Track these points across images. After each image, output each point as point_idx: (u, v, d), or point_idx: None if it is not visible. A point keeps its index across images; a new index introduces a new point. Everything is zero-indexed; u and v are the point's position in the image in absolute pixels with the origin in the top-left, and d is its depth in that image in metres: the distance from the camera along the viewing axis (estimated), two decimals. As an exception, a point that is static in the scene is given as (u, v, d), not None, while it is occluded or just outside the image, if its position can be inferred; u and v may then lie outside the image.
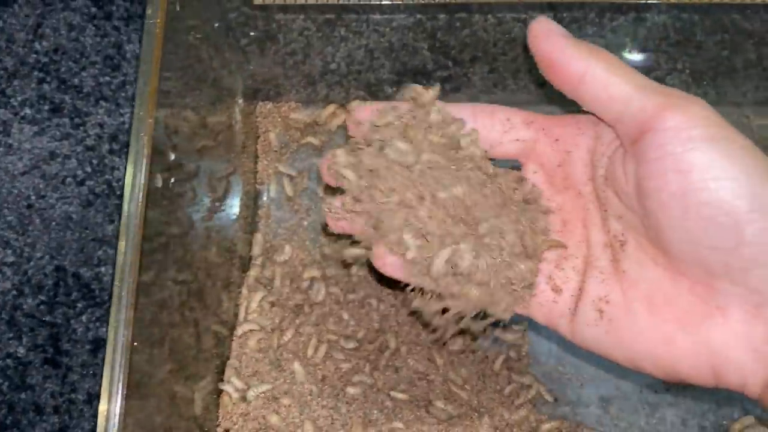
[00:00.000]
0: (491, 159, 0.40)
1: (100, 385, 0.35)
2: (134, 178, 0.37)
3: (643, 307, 0.35)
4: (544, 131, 0.38)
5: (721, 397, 0.53)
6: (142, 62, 0.39)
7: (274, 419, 0.49)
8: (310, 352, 0.52)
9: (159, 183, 0.39)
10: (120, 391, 0.35)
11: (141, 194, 0.37)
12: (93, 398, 0.55)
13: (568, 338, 0.38)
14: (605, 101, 0.34)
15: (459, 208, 0.36)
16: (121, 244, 0.36)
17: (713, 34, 0.57)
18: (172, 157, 0.41)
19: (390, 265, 0.38)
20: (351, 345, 0.52)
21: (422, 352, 0.53)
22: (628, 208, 0.35)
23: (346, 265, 0.54)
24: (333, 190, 0.40)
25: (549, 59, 0.35)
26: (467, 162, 0.38)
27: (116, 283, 0.35)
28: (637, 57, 0.59)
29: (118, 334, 0.35)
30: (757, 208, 0.30)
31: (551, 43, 0.34)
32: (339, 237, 0.41)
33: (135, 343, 0.35)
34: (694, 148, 0.30)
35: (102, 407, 0.35)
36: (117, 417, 0.34)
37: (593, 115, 0.36)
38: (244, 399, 0.50)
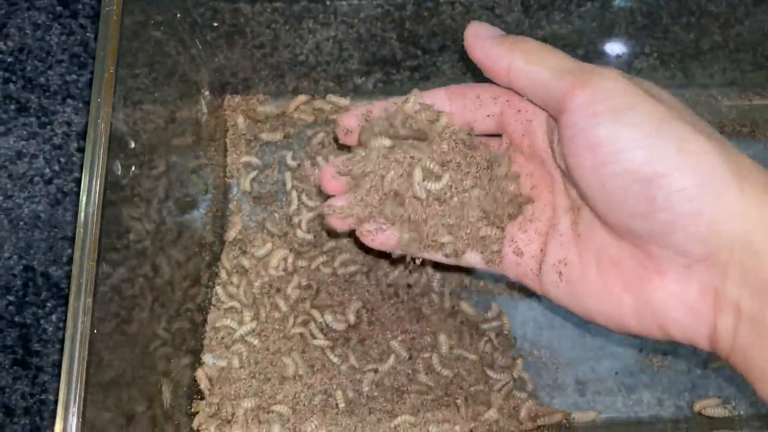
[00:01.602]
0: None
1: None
2: (92, 164, 0.37)
3: (594, 270, 0.36)
4: (508, 103, 0.40)
5: (697, 377, 0.53)
6: (99, 50, 0.38)
7: (246, 404, 0.49)
8: (289, 329, 0.52)
9: (119, 170, 0.39)
10: (78, 383, 0.34)
11: (99, 181, 0.36)
12: (64, 398, 0.54)
13: (539, 293, 0.40)
14: (529, 88, 0.36)
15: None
16: (79, 231, 0.35)
17: (679, 18, 0.57)
18: (133, 144, 0.41)
19: (378, 240, 0.42)
20: (329, 322, 0.51)
21: (401, 327, 0.52)
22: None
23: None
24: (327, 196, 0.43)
25: (481, 62, 0.37)
26: (445, 143, 0.41)
27: (74, 270, 0.35)
28: (604, 42, 0.59)
29: (76, 322, 0.34)
30: (663, 173, 0.30)
31: (480, 47, 0.37)
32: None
33: (95, 331, 0.35)
34: (599, 123, 0.31)
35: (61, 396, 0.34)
36: (76, 406, 0.34)
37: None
38: (222, 375, 0.50)
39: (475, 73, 0.61)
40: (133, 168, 0.41)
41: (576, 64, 0.34)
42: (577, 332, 0.54)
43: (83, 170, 0.36)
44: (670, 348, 0.54)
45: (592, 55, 0.60)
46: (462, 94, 0.41)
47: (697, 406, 0.52)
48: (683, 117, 0.32)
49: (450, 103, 0.41)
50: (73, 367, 0.34)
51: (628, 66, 0.61)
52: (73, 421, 0.33)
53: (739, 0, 0.56)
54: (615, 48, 0.60)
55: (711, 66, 0.60)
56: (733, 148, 0.32)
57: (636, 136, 0.31)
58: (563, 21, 0.57)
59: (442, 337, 0.51)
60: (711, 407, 0.51)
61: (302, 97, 0.59)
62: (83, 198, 0.36)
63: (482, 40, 0.37)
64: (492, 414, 0.49)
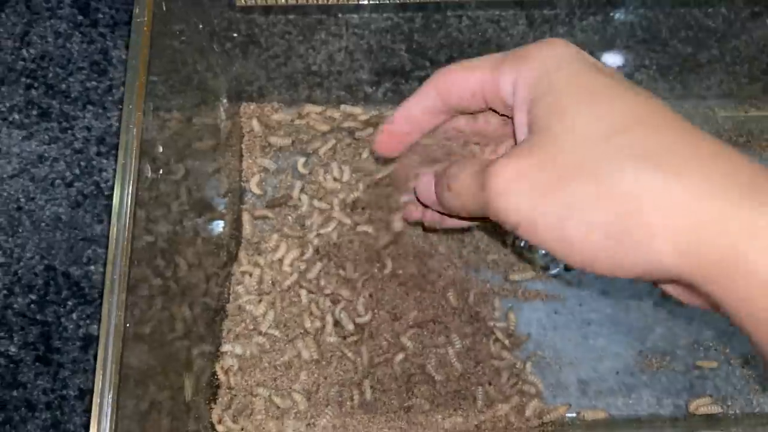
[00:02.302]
0: None
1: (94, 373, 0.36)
2: (125, 168, 0.39)
3: None
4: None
5: (695, 377, 0.55)
6: (130, 59, 0.41)
7: (261, 390, 0.52)
8: (303, 326, 0.54)
9: (149, 173, 0.41)
10: (112, 375, 0.36)
11: (131, 184, 0.38)
12: (84, 394, 0.56)
13: None
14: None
15: None
16: (113, 232, 0.37)
17: (678, 32, 0.59)
18: (161, 149, 0.43)
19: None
20: (342, 319, 0.54)
21: (412, 322, 0.54)
22: None
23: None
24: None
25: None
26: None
27: (108, 269, 0.37)
28: (606, 54, 0.61)
29: (111, 317, 0.36)
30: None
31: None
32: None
33: (127, 325, 0.37)
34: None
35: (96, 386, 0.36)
36: (111, 396, 0.36)
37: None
38: (240, 367, 0.53)
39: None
40: (160, 171, 0.43)
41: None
42: (579, 333, 0.56)
43: (116, 173, 0.39)
44: (669, 348, 0.56)
45: (594, 67, 0.62)
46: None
47: (692, 406, 0.54)
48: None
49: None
50: (108, 360, 0.36)
51: (628, 77, 0.62)
52: (108, 411, 0.36)
53: (736, 15, 0.58)
54: (616, 60, 0.62)
55: (708, 78, 0.63)
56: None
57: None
58: (566, 34, 0.59)
59: (455, 333, 0.53)
60: (704, 406, 0.53)
61: (316, 107, 0.61)
62: (116, 200, 0.38)
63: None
64: (504, 407, 0.52)
